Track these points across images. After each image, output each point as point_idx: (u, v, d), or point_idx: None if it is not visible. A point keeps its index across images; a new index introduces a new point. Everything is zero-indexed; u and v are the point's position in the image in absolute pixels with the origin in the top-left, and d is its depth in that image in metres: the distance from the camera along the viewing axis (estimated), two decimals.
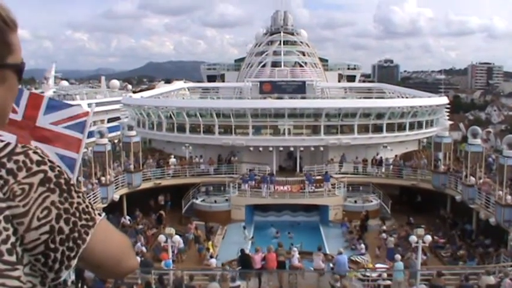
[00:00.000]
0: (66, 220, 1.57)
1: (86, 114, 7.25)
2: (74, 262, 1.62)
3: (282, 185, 42.90)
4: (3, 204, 1.49)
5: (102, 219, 1.70)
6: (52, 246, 1.56)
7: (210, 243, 35.10)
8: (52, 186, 1.56)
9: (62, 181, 1.59)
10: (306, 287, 24.78)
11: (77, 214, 1.60)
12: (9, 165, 1.53)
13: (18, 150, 1.57)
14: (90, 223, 1.64)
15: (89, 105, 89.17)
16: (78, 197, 1.63)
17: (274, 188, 42.58)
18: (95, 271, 1.84)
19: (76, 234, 1.59)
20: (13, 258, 1.48)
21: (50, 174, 1.57)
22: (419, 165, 45.13)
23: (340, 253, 27.56)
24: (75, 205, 1.60)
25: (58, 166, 1.61)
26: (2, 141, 1.59)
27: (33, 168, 1.55)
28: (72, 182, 1.63)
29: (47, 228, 1.54)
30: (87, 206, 1.65)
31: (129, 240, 1.90)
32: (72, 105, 7.81)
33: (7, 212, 1.50)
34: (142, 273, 23.21)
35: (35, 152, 1.58)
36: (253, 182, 43.17)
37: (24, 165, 1.54)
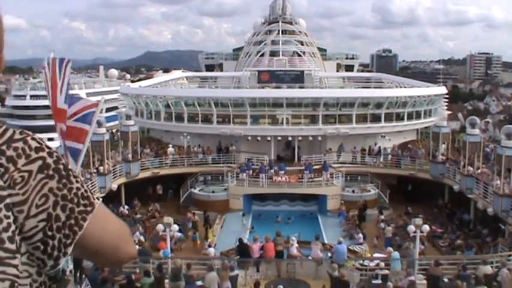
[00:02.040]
0: (63, 207, 1.56)
1: (95, 105, 7.33)
2: (70, 249, 1.61)
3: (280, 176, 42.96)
4: (4, 192, 1.49)
5: (100, 204, 1.69)
6: (50, 233, 1.55)
7: (210, 231, 35.23)
8: (51, 172, 1.55)
9: (61, 167, 1.59)
10: (304, 276, 24.82)
11: (75, 200, 1.59)
12: (9, 152, 1.52)
13: (17, 136, 1.56)
14: (89, 208, 1.63)
15: (88, 94, 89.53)
16: (77, 181, 1.62)
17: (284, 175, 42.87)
18: (92, 258, 1.82)
19: (73, 221, 1.59)
20: (13, 247, 1.48)
21: (49, 160, 1.56)
22: (417, 155, 45.18)
23: (339, 242, 27.69)
24: (73, 191, 1.59)
25: (56, 152, 1.60)
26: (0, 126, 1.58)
27: (32, 155, 1.54)
28: (70, 167, 1.62)
29: (44, 215, 1.54)
30: (85, 191, 1.64)
31: (127, 227, 1.88)
32: (82, 98, 7.90)
33: (8, 200, 1.49)
34: (140, 262, 23.24)
35: (33, 139, 1.58)
36: (251, 171, 43.22)
37: (23, 152, 1.54)
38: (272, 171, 43.11)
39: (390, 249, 27.83)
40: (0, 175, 1.49)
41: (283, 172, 42.88)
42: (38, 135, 1.62)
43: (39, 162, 1.54)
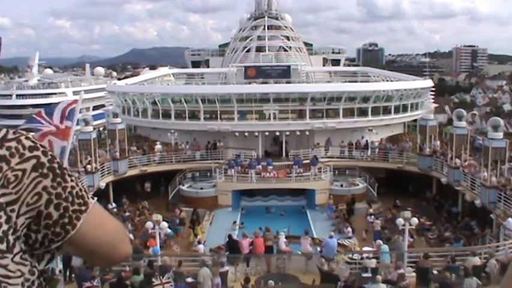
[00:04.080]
0: (56, 205, 1.56)
1: (75, 102, 7.36)
2: (56, 245, 1.62)
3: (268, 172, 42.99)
4: None
5: (95, 203, 1.69)
6: (34, 228, 1.56)
7: (199, 228, 35.16)
8: (45, 171, 1.55)
9: (55, 165, 1.58)
10: (294, 271, 24.87)
11: (70, 199, 1.59)
12: (2, 151, 1.52)
13: (10, 136, 1.56)
14: (83, 207, 1.63)
15: (74, 93, 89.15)
16: (72, 180, 1.62)
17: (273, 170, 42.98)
18: (89, 257, 1.81)
19: (66, 220, 1.59)
20: (2, 247, 1.48)
21: (43, 159, 1.56)
22: (405, 148, 45.32)
23: (330, 237, 27.71)
24: (68, 189, 1.59)
25: (50, 151, 1.59)
26: None
27: (26, 154, 1.54)
28: (65, 166, 1.61)
29: (33, 213, 1.54)
30: (80, 190, 1.64)
31: (123, 226, 1.88)
32: (59, 103, 7.93)
33: (1, 200, 1.49)
34: (132, 260, 23.17)
35: (27, 138, 1.57)
36: (239, 167, 43.21)
37: (17, 151, 1.53)
38: (260, 166, 43.10)
39: (380, 241, 27.92)
40: None
41: (271, 167, 42.94)
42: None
43: (33, 161, 1.54)
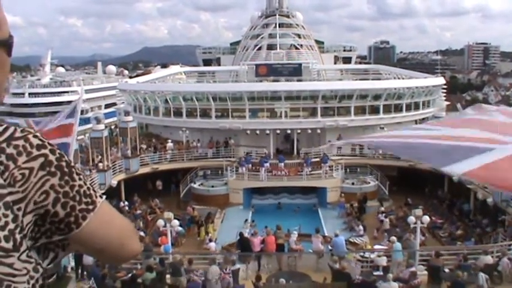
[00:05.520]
0: (63, 204, 1.56)
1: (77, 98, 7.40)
2: (58, 238, 1.62)
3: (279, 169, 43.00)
4: (5, 191, 1.48)
5: (104, 201, 1.68)
6: (39, 223, 1.56)
7: (210, 226, 35.19)
8: (53, 169, 1.54)
9: (63, 163, 1.57)
10: (305, 269, 24.86)
11: (77, 198, 1.58)
12: (9, 150, 1.51)
13: (18, 134, 1.54)
14: (90, 207, 1.62)
15: (87, 91, 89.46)
16: (80, 179, 1.61)
17: (283, 168, 43.01)
18: (97, 255, 1.81)
19: (72, 219, 1.58)
20: (9, 245, 1.47)
21: (51, 157, 1.55)
22: None
23: (336, 235, 27.70)
24: (76, 188, 1.58)
25: (58, 149, 1.59)
26: (1, 125, 1.58)
27: (33, 152, 1.53)
28: (73, 164, 1.61)
29: (40, 211, 1.53)
30: (88, 189, 1.63)
31: (131, 224, 1.87)
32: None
33: (8, 198, 1.48)
34: (143, 258, 23.23)
35: (34, 136, 1.56)
36: (251, 165, 43.22)
37: (24, 149, 1.52)
38: (267, 164, 43.04)
39: (394, 238, 27.83)
40: (0, 173, 1.49)
41: (282, 164, 42.93)
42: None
43: (41, 159, 1.53)
